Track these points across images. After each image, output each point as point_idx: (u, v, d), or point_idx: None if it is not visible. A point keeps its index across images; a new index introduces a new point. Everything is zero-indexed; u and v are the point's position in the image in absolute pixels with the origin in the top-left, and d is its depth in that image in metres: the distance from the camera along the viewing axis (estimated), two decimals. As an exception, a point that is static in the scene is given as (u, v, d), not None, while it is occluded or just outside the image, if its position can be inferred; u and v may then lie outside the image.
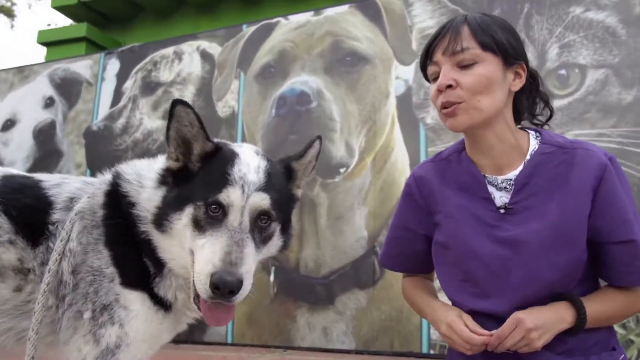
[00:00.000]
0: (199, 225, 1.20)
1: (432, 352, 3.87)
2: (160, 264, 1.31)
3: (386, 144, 4.33)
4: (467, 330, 1.27)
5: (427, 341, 3.91)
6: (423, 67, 1.42)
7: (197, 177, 1.26)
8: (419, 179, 1.49)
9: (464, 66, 1.30)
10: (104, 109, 5.55)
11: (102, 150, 5.43)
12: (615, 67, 3.75)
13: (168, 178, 1.28)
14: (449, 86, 1.30)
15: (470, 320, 1.30)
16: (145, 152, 5.22)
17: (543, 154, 1.32)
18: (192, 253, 1.21)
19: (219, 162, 1.25)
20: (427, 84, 4.49)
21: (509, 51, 1.32)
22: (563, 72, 3.86)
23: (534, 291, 1.28)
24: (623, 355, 1.35)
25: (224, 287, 1.11)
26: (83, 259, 1.27)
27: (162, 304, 1.31)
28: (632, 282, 1.28)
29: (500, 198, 1.34)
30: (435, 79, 1.36)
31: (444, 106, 1.32)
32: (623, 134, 3.69)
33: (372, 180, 4.30)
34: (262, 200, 1.22)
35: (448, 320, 1.31)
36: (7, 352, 1.34)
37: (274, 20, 4.97)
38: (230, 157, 1.26)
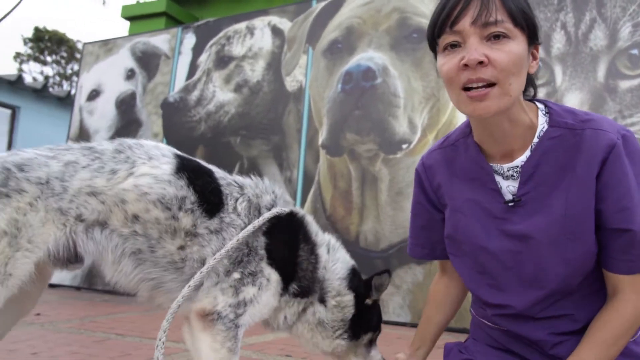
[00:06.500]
0: None
1: (485, 328, 3.92)
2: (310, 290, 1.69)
3: (449, 121, 4.34)
4: None
5: (481, 318, 3.96)
6: (435, 34, 1.21)
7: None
8: (428, 168, 1.44)
9: (492, 41, 1.12)
10: (180, 81, 5.83)
11: (177, 120, 5.73)
12: (694, 47, 3.59)
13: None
14: (480, 62, 1.11)
15: None
16: (217, 124, 5.47)
17: (550, 139, 1.22)
18: None
19: None
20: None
21: (534, 29, 1.17)
22: (635, 51, 3.72)
23: (547, 285, 1.25)
24: None
25: None
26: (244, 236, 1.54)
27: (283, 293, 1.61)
28: (625, 270, 1.20)
29: (508, 188, 1.28)
30: (446, 48, 1.18)
31: (470, 86, 1.13)
32: (699, 117, 3.55)
33: (433, 158, 4.33)
34: None
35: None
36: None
37: (343, -4, 5.03)
38: None
